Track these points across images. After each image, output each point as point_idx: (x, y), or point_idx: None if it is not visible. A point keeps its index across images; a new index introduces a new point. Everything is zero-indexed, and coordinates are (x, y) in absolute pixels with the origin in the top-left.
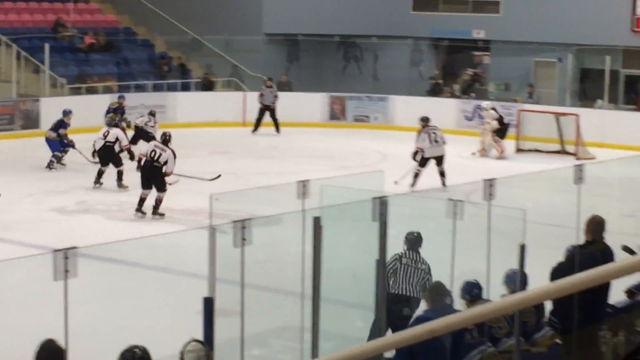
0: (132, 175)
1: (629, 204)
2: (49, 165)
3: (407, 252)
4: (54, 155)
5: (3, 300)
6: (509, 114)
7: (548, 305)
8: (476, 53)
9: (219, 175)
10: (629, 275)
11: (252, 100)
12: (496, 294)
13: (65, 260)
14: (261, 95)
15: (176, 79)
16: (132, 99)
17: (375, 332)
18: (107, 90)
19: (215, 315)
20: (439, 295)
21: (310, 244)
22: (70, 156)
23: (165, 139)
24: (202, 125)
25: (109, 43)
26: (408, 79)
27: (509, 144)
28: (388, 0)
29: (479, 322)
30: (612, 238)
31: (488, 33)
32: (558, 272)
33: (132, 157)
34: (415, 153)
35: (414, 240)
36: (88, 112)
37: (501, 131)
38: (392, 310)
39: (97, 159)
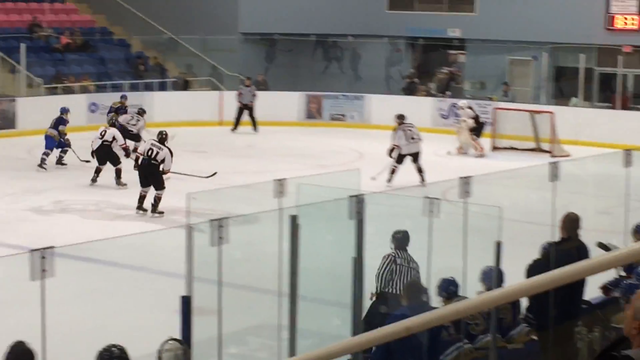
0: (130, 174)
1: (603, 201)
2: (41, 164)
3: (398, 252)
4: (44, 153)
5: None
6: (485, 112)
7: (524, 302)
8: (452, 52)
9: (215, 173)
10: (604, 271)
11: (229, 100)
12: (472, 291)
13: (42, 259)
14: (239, 95)
15: (153, 78)
16: (109, 99)
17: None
18: (84, 90)
19: (192, 314)
20: (415, 293)
21: (287, 242)
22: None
23: (162, 138)
24: (179, 124)
25: (85, 43)
26: (384, 77)
27: (484, 142)
28: None
29: (455, 319)
30: (587, 235)
31: (463, 32)
32: (533, 269)
33: (127, 155)
34: (392, 150)
35: (402, 239)
36: None
37: (477, 130)
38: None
39: (86, 158)
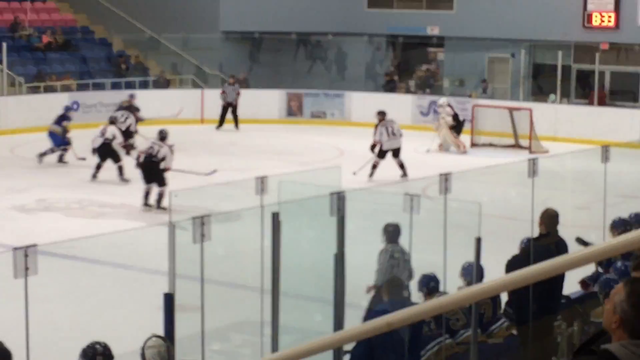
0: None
1: (582, 197)
2: (62, 160)
3: (392, 245)
4: (51, 149)
5: None
6: (464, 109)
7: (504, 297)
8: (431, 49)
9: (215, 170)
10: (582, 266)
11: (210, 98)
12: (453, 287)
13: (25, 258)
14: (223, 93)
15: (134, 77)
16: (90, 98)
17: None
18: (66, 88)
19: (175, 311)
20: (396, 288)
21: (269, 239)
22: (27, 152)
23: (162, 136)
24: (161, 122)
25: (67, 42)
26: (364, 75)
27: (463, 139)
28: None
29: (436, 314)
30: (566, 230)
31: (442, 29)
32: (513, 265)
33: (128, 152)
34: (374, 146)
35: (393, 232)
36: (46, 111)
37: (457, 128)
38: None
39: (82, 156)
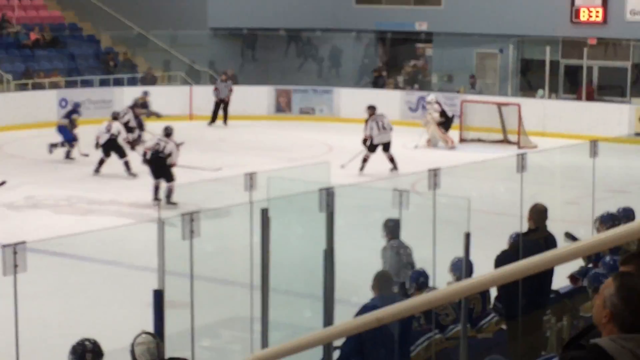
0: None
1: (570, 192)
2: (69, 156)
3: (396, 241)
4: (62, 143)
5: None
6: (452, 105)
7: (493, 292)
8: (419, 45)
9: (221, 167)
10: (571, 261)
11: (198, 94)
12: (442, 282)
13: (14, 255)
14: (216, 90)
15: (122, 74)
16: (79, 95)
17: None
18: (54, 85)
19: (165, 308)
20: (386, 284)
21: (259, 235)
22: (15, 150)
23: (168, 132)
24: (149, 119)
25: (55, 39)
26: (352, 71)
27: (452, 134)
28: None
29: (426, 309)
30: (555, 225)
31: (430, 25)
32: (502, 260)
33: (132, 147)
34: (365, 141)
35: (394, 227)
36: (34, 108)
37: (445, 124)
38: None
39: (87, 152)
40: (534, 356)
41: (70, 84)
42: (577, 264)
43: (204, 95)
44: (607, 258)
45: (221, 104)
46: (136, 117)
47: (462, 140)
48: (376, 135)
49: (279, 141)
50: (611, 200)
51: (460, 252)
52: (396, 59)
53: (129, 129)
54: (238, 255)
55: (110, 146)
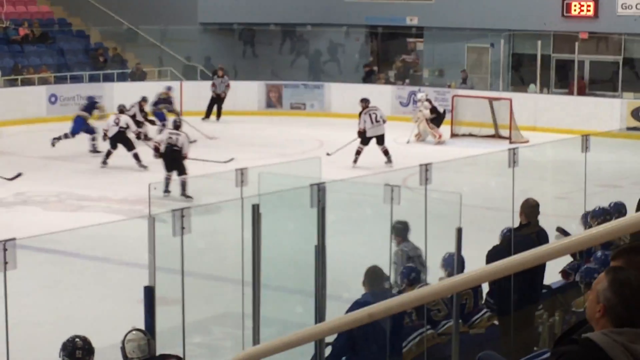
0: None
1: (562, 186)
2: (95, 149)
3: (406, 244)
4: (92, 138)
5: None
6: (444, 100)
7: (485, 288)
8: (410, 40)
9: (232, 159)
10: (563, 256)
11: (188, 90)
12: (434, 278)
13: (4, 252)
14: (213, 85)
15: (112, 69)
16: (68, 90)
17: None
18: (43, 81)
19: (156, 304)
20: (377, 280)
21: (250, 231)
22: (5, 146)
23: (177, 125)
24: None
25: (44, 34)
26: (343, 66)
27: (443, 129)
28: None
29: (417, 305)
30: (547, 220)
31: (421, 20)
32: (493, 255)
33: (139, 137)
34: (360, 133)
35: (403, 230)
36: (24, 104)
37: (437, 120)
38: None
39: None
40: (526, 352)
41: (59, 80)
42: (569, 259)
43: (195, 91)
44: (599, 253)
45: (217, 100)
46: (141, 110)
47: (453, 135)
48: (369, 128)
49: (270, 137)
50: (603, 194)
51: (451, 248)
52: (387, 53)
53: (136, 123)
54: (229, 251)
55: (119, 139)
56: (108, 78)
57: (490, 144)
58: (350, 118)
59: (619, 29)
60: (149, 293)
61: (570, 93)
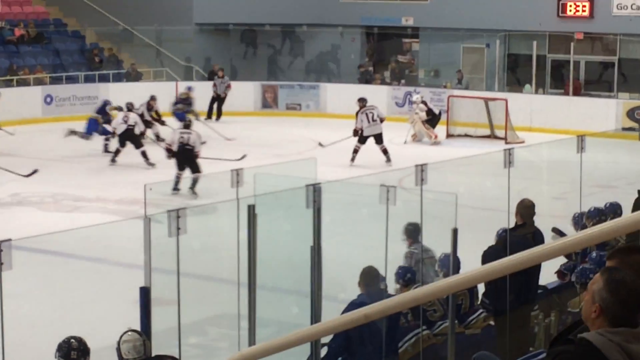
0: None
1: (557, 187)
2: (107, 150)
3: (417, 246)
4: (106, 139)
5: None
6: (439, 100)
7: (481, 288)
8: (405, 40)
9: (245, 155)
10: (559, 256)
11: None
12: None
13: None
14: (214, 86)
15: (108, 69)
16: (64, 91)
17: None
18: (39, 82)
19: (151, 305)
20: (373, 280)
21: (245, 232)
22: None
23: (187, 124)
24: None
25: (39, 35)
26: (339, 66)
27: (439, 130)
28: None
29: (413, 306)
30: (542, 220)
31: (417, 20)
32: (489, 255)
33: (142, 134)
34: (356, 132)
35: (413, 231)
36: (19, 105)
37: (432, 121)
38: None
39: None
40: (522, 352)
41: (55, 80)
42: (565, 259)
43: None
44: (594, 254)
45: (217, 100)
46: (150, 109)
47: (449, 135)
48: (366, 128)
49: (266, 137)
50: (598, 195)
51: (447, 248)
52: (383, 54)
53: (144, 122)
54: (225, 252)
55: (127, 137)
56: (103, 78)
57: (485, 145)
58: (346, 118)
59: (614, 30)
60: (145, 294)
61: (566, 93)
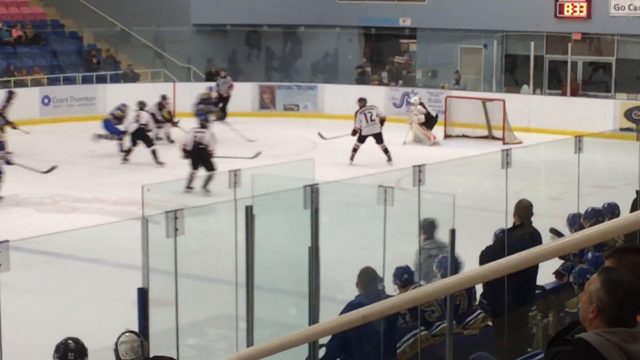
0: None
1: (555, 187)
2: (122, 149)
3: (431, 242)
4: (119, 139)
5: None
6: (437, 101)
7: (479, 289)
8: (403, 41)
9: (259, 153)
10: (556, 257)
11: (181, 91)
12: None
13: None
14: (217, 86)
15: (105, 70)
16: (61, 92)
17: None
18: (36, 83)
19: (149, 306)
20: (371, 281)
21: (243, 232)
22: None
23: (203, 124)
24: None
25: (37, 36)
26: (336, 67)
27: (436, 130)
28: None
29: (411, 306)
30: (540, 221)
31: (414, 21)
32: (487, 255)
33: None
34: (354, 132)
35: (429, 227)
36: (17, 106)
37: (429, 123)
38: None
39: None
40: (520, 352)
41: (52, 81)
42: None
43: (188, 92)
44: (589, 255)
45: (220, 100)
46: (161, 109)
47: (446, 136)
48: (364, 127)
49: (263, 138)
50: (596, 195)
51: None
52: (380, 54)
53: (156, 122)
54: (223, 252)
55: (139, 135)
56: (101, 80)
57: (483, 145)
58: (344, 119)
59: (611, 30)
60: (143, 295)
61: (564, 94)
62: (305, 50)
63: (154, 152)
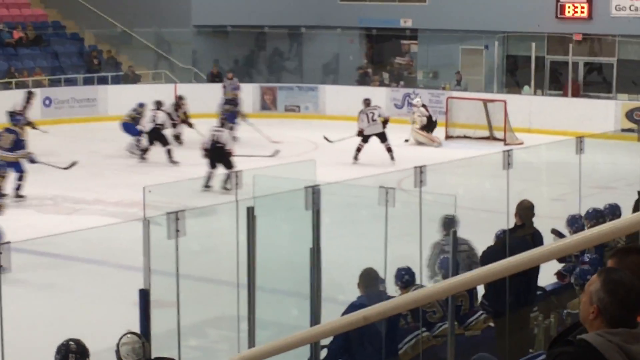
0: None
1: (556, 188)
2: (132, 150)
3: (447, 238)
4: (137, 141)
5: None
6: (438, 102)
7: (481, 290)
8: (404, 42)
9: (278, 151)
10: (558, 257)
11: (182, 92)
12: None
13: None
14: (224, 87)
15: (107, 72)
16: (63, 93)
17: None
18: (37, 84)
19: (151, 307)
20: (372, 282)
21: (245, 233)
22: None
23: (222, 123)
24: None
25: (38, 37)
26: (337, 68)
27: (437, 132)
28: None
29: (413, 307)
30: (541, 222)
31: (415, 22)
32: (488, 256)
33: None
34: (360, 133)
35: (448, 223)
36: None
37: (429, 126)
38: None
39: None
40: (521, 353)
41: (53, 83)
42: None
43: (189, 93)
44: (589, 255)
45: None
46: (177, 109)
47: (448, 137)
48: (366, 127)
49: (265, 139)
50: (597, 196)
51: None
52: (381, 55)
53: (172, 121)
54: (224, 254)
55: (155, 135)
56: (102, 81)
57: (484, 146)
58: (345, 120)
59: (612, 31)
60: (144, 296)
61: (565, 95)
62: (306, 51)
63: (169, 152)
